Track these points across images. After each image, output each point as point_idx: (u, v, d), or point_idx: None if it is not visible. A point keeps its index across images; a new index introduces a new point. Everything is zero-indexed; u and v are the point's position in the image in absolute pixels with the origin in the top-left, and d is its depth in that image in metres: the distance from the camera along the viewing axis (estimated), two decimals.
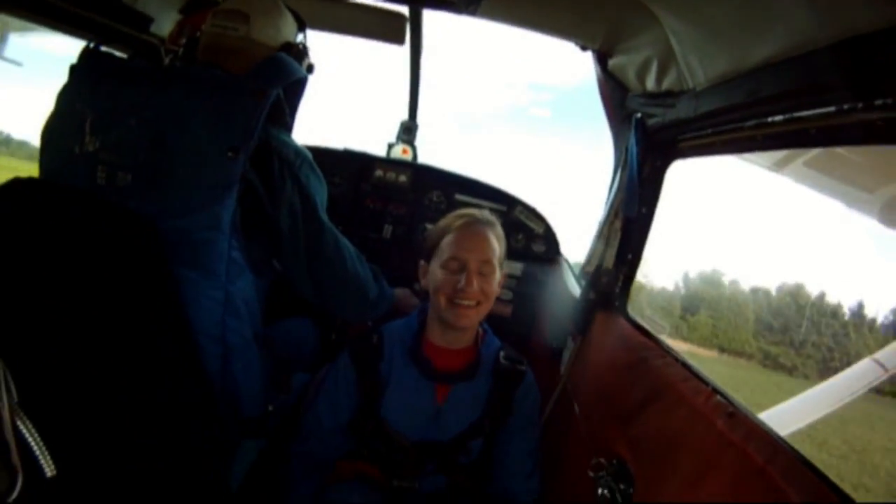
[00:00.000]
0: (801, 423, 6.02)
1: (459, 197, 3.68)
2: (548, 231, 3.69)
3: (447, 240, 2.24)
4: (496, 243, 2.27)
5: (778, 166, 3.38)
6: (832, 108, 1.43)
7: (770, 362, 47.72)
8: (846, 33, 1.31)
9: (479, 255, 2.20)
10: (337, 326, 2.82)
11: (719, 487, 1.53)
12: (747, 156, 3.41)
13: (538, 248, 3.67)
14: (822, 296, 56.38)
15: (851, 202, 3.86)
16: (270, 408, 2.25)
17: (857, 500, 1.23)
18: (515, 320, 3.57)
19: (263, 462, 2.40)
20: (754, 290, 57.33)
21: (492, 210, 3.53)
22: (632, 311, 2.44)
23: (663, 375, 1.96)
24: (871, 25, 1.24)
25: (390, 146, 4.10)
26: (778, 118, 1.63)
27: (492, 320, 3.44)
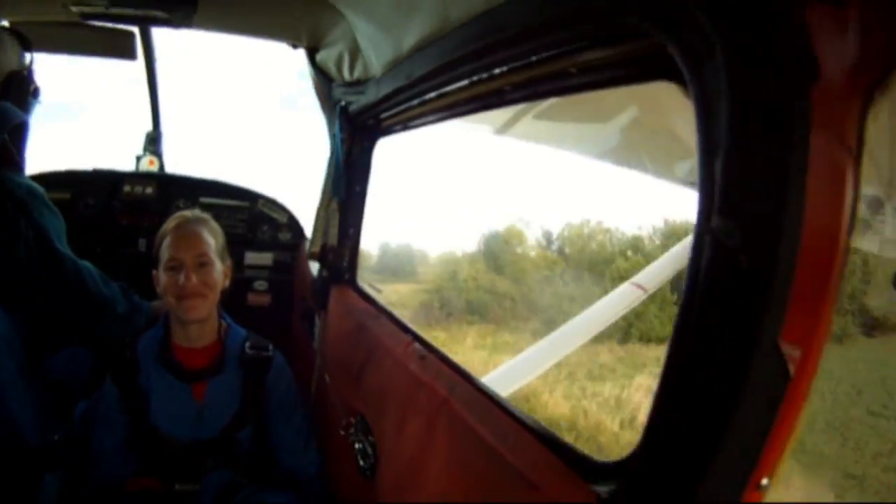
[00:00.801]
0: (573, 347, 6.50)
1: (204, 200, 3.53)
2: (291, 219, 3.66)
3: (165, 244, 2.21)
4: (210, 237, 2.25)
5: (503, 129, 3.41)
6: (465, 82, 1.53)
7: None
8: (477, 9, 1.38)
9: (194, 251, 2.18)
10: (112, 348, 2.65)
11: (419, 423, 1.61)
12: (473, 123, 3.39)
13: (284, 236, 3.63)
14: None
15: (587, 151, 4.02)
16: (56, 437, 2.15)
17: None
18: (275, 308, 3.52)
19: (67, 493, 2.23)
20: None
21: (236, 207, 3.47)
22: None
23: (376, 333, 2.04)
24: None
25: (138, 159, 3.84)
26: (431, 95, 1.73)
27: (253, 311, 3.38)
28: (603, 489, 1.02)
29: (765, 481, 0.83)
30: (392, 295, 22.57)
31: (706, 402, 0.83)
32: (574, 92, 1.29)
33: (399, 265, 26.20)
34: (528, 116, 3.13)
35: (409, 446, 1.64)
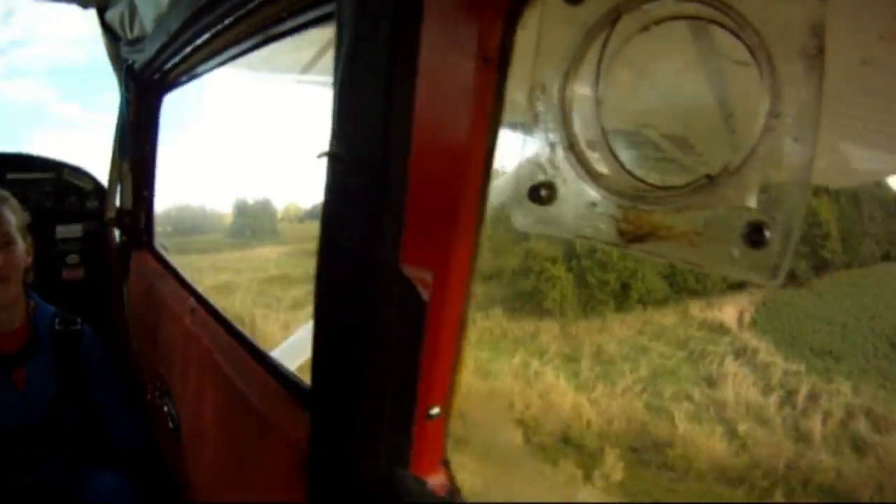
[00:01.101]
0: None
1: (11, 176, 3.25)
2: (97, 186, 3.44)
3: None
4: (12, 215, 2.08)
5: (306, 69, 3.24)
6: (207, 35, 1.50)
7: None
8: None
9: None
10: None
11: (194, 375, 1.61)
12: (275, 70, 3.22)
13: (91, 204, 3.41)
14: None
15: None
16: None
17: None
18: (90, 281, 3.32)
19: None
20: None
21: (43, 179, 3.23)
22: None
23: (163, 293, 2.01)
24: None
25: None
26: (188, 49, 1.70)
27: (69, 287, 3.17)
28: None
29: (434, 410, 0.81)
30: (268, 264, 20.36)
31: (346, 331, 0.81)
32: (293, 34, 1.31)
33: (258, 225, 24.09)
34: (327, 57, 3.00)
35: (191, 400, 1.64)
